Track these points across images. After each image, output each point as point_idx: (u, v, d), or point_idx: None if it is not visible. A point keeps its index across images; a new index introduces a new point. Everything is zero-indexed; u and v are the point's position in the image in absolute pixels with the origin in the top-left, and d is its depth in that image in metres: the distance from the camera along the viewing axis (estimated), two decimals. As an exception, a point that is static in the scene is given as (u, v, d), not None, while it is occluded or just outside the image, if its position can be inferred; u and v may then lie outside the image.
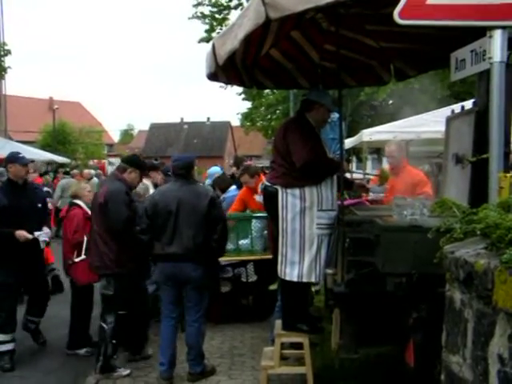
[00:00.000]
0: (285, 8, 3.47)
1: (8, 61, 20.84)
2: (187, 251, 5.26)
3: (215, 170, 9.60)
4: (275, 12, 3.46)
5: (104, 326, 5.61)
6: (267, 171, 10.65)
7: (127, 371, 5.71)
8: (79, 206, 6.44)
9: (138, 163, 6.00)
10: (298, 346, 5.03)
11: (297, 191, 4.76)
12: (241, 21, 3.79)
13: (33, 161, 6.75)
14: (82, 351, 6.36)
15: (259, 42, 4.81)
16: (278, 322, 5.21)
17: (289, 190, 4.77)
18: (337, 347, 4.75)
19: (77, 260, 6.18)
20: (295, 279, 4.81)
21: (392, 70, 5.82)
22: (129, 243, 5.57)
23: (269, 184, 4.96)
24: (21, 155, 6.26)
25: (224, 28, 21.79)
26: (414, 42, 5.10)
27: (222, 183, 8.57)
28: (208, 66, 4.40)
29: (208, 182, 9.75)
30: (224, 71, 4.77)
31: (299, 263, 4.78)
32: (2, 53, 20.33)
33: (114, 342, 5.60)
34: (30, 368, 6.04)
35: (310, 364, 4.87)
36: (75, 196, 6.57)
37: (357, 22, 5.00)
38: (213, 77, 4.73)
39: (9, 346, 6.00)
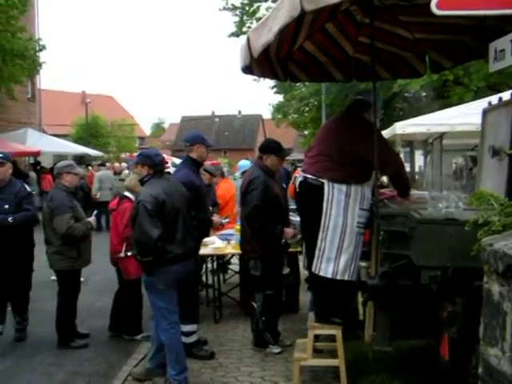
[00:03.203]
0: (320, 0, 3.46)
1: (43, 56, 21.12)
2: (195, 245, 5.30)
3: (245, 163, 9.53)
4: (310, 4, 3.45)
5: (254, 304, 6.06)
6: (299, 165, 10.66)
7: (279, 349, 5.98)
8: (130, 200, 6.46)
9: (270, 148, 6.10)
10: (333, 338, 5.04)
11: (344, 187, 4.76)
12: (275, 14, 3.78)
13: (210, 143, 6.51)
14: (139, 337, 6.62)
15: (293, 35, 4.80)
16: (311, 314, 5.23)
17: (336, 185, 4.77)
18: (370, 340, 4.75)
19: (129, 254, 6.17)
20: (329, 276, 4.81)
21: (427, 61, 5.75)
22: (257, 229, 5.84)
23: (311, 177, 4.94)
24: (206, 137, 6.16)
25: (255, 21, 21.84)
26: (450, 33, 5.03)
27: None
28: (243, 59, 4.40)
29: (237, 174, 9.72)
30: (258, 64, 4.78)
31: (335, 260, 4.79)
32: (38, 48, 20.59)
33: (263, 318, 5.95)
34: (65, 357, 6.15)
35: (343, 356, 4.87)
36: (130, 189, 6.57)
37: (391, 13, 4.95)
38: (247, 70, 4.74)
39: (194, 337, 5.96)
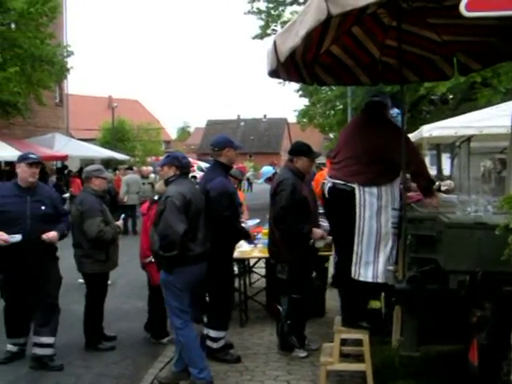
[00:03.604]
0: (347, 3, 3.42)
1: (70, 61, 21.44)
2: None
3: (268, 169, 9.45)
4: (337, 8, 3.42)
5: (279, 307, 6.00)
6: (323, 167, 10.60)
7: (304, 353, 5.93)
8: None
9: (301, 150, 6.03)
10: (360, 343, 5.01)
11: (375, 189, 4.75)
12: (302, 18, 3.77)
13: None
14: (165, 340, 6.64)
15: (319, 39, 4.79)
16: (338, 318, 5.21)
17: (367, 188, 4.76)
18: (397, 344, 4.71)
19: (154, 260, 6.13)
20: (370, 280, 4.77)
21: (455, 64, 5.69)
22: (284, 230, 5.79)
23: (340, 182, 4.93)
24: (235, 140, 6.13)
25: (280, 24, 21.90)
26: (479, 35, 4.97)
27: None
28: (269, 62, 4.40)
29: (261, 181, 9.67)
30: (285, 68, 4.77)
31: (373, 263, 4.76)
32: (66, 54, 20.90)
33: (288, 322, 5.89)
34: (93, 359, 6.22)
35: (370, 361, 4.84)
36: (160, 193, 6.51)
37: (419, 15, 4.90)
38: (274, 74, 4.72)
39: (221, 343, 5.93)
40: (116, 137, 41.56)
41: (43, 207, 5.91)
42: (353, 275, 4.82)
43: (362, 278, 4.79)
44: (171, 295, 5.17)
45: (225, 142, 5.90)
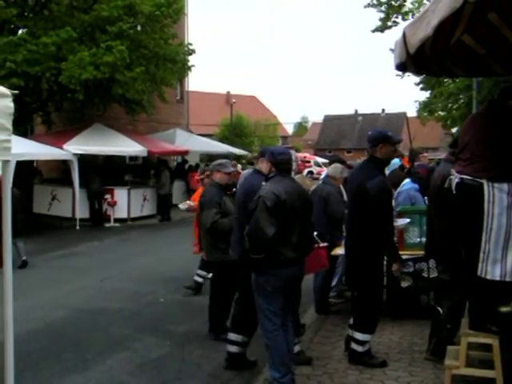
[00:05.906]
0: (487, -13, 3.25)
1: (191, 59, 22.04)
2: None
3: (395, 161, 9.28)
4: (475, -7, 3.26)
5: (439, 309, 5.70)
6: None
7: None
8: None
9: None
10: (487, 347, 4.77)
11: (505, 186, 4.51)
12: (434, 6, 3.61)
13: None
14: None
15: (451, 28, 4.58)
16: (465, 321, 4.99)
17: (496, 185, 4.53)
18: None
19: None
20: (497, 278, 4.54)
21: None
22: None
23: (468, 177, 4.73)
24: (391, 134, 5.84)
25: (400, 16, 21.30)
26: None
27: (395, 178, 8.35)
28: (398, 55, 4.25)
29: (387, 172, 9.51)
30: (413, 60, 4.61)
31: (501, 261, 4.52)
32: (187, 52, 21.54)
33: (448, 326, 5.59)
34: (213, 349, 6.43)
35: (500, 368, 4.58)
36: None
37: None
38: (401, 67, 4.59)
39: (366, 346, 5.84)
40: (234, 132, 42.52)
41: None
42: (479, 273, 4.60)
43: (489, 276, 4.56)
44: (262, 297, 5.06)
45: (379, 138, 5.67)
